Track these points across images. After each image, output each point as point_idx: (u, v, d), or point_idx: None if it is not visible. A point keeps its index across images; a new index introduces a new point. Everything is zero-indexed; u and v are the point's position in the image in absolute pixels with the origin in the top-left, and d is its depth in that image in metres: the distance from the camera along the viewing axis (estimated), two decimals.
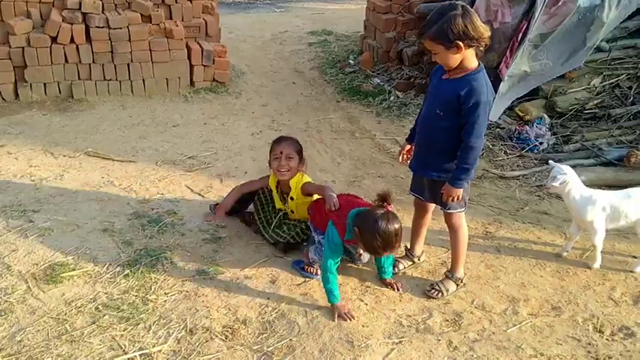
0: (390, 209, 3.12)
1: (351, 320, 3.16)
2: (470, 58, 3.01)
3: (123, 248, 3.75)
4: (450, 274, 3.48)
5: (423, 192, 3.44)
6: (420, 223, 3.66)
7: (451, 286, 3.45)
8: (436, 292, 3.40)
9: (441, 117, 3.10)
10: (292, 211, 3.87)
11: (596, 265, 3.69)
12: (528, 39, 5.55)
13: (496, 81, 5.95)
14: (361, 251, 3.45)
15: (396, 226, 3.04)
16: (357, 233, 3.11)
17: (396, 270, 3.61)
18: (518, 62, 5.65)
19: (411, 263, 3.71)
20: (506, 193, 4.75)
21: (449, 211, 3.32)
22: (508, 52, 5.80)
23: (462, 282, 3.49)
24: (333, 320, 3.16)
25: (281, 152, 3.73)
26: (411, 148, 3.48)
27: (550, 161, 3.85)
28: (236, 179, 4.77)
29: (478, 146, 3.05)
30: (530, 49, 5.62)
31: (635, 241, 3.96)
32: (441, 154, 3.19)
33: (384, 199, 3.14)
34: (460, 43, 2.90)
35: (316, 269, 3.53)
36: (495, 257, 3.83)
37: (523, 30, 5.63)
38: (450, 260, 3.56)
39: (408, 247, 3.75)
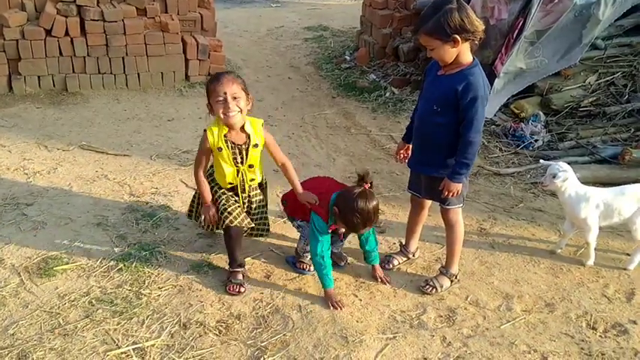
0: (367, 187, 3.14)
1: (340, 309, 3.19)
2: (465, 53, 3.00)
3: (117, 242, 3.74)
4: (445, 270, 3.48)
5: (421, 189, 3.43)
6: (416, 220, 3.66)
7: (445, 282, 3.45)
8: (430, 288, 3.40)
9: (438, 113, 3.08)
10: (251, 166, 3.31)
11: (590, 262, 3.70)
12: (524, 36, 5.55)
13: (491, 77, 5.94)
14: (342, 231, 3.42)
15: (374, 202, 3.09)
16: (337, 212, 3.13)
17: (390, 266, 3.61)
18: (513, 59, 5.65)
19: (405, 259, 3.70)
20: (501, 189, 4.76)
21: (448, 206, 3.31)
22: (503, 48, 5.80)
23: (456, 278, 3.49)
24: (328, 308, 3.18)
25: (225, 93, 3.11)
26: (409, 147, 3.47)
27: (541, 160, 3.86)
28: None
29: (477, 141, 3.05)
30: (526, 46, 5.62)
31: (628, 239, 3.97)
32: (440, 151, 3.17)
33: (362, 178, 3.16)
34: (457, 37, 2.88)
35: (308, 265, 3.52)
36: (490, 254, 3.83)
37: (519, 27, 5.63)
38: (444, 256, 3.55)
39: (403, 242, 3.74)
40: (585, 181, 4.70)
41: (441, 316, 3.21)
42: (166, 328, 3.02)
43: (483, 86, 3.00)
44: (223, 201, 3.33)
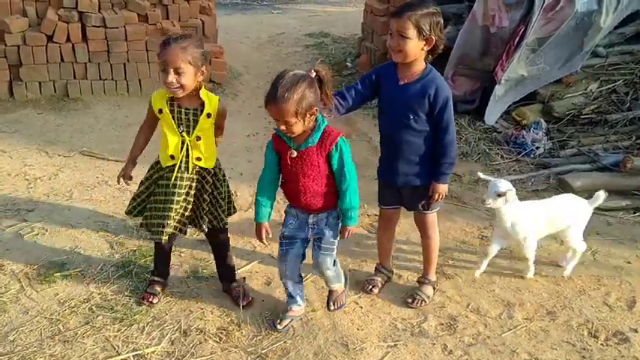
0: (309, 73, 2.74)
1: (260, 241, 2.99)
2: (422, 59, 3.00)
3: (117, 249, 3.73)
4: (426, 279, 3.43)
5: (401, 201, 3.34)
6: (391, 235, 3.55)
7: (430, 291, 3.41)
8: (419, 302, 3.34)
9: (415, 121, 3.03)
10: (199, 138, 2.97)
11: (530, 274, 3.62)
12: (526, 43, 5.56)
13: (491, 84, 5.96)
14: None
15: (296, 73, 2.73)
16: None
17: (376, 290, 3.44)
18: (515, 66, 5.66)
19: (387, 279, 3.56)
20: None
21: (432, 211, 3.28)
22: (504, 55, 5.80)
23: (436, 285, 3.47)
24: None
25: (167, 65, 2.81)
26: None
27: (479, 173, 3.68)
28: (231, 181, 4.72)
29: (455, 139, 3.08)
30: (527, 53, 5.63)
31: (629, 246, 3.98)
32: (424, 158, 3.12)
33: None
34: (433, 39, 2.90)
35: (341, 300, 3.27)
36: (490, 261, 3.81)
37: (520, 34, 5.63)
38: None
39: (379, 262, 3.59)
40: (587, 189, 4.70)
41: (442, 324, 3.20)
42: (167, 334, 3.01)
43: (447, 86, 3.05)
44: (155, 203, 3.06)
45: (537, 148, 5.49)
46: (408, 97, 3.02)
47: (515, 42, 5.68)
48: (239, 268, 3.59)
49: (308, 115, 2.71)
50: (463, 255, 3.83)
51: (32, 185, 4.50)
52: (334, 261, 3.07)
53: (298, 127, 2.73)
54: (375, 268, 3.58)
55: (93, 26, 6.29)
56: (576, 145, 5.44)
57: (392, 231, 3.54)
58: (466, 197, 4.69)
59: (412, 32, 2.86)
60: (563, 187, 4.80)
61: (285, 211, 3.07)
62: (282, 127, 2.76)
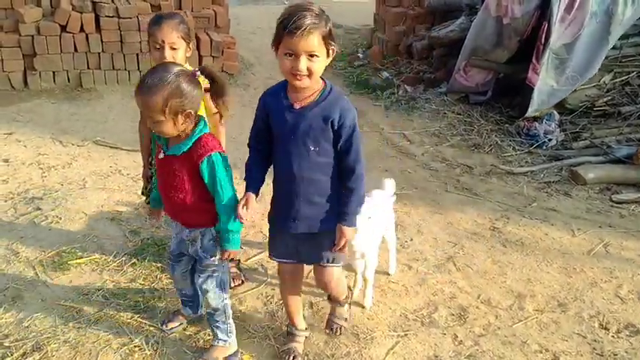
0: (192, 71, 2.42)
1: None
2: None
3: (130, 237, 3.76)
4: (336, 302, 3.01)
5: (297, 254, 2.67)
6: (298, 291, 2.92)
7: (344, 311, 3.03)
8: (338, 329, 2.99)
9: (317, 153, 2.44)
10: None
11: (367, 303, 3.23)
12: (553, 51, 5.45)
13: (524, 90, 5.81)
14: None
15: (169, 66, 2.41)
16: None
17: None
18: (544, 77, 5.56)
19: (305, 338, 2.95)
20: (515, 189, 4.74)
21: (334, 265, 2.68)
22: (534, 58, 5.65)
23: (346, 298, 3.00)
24: None
25: (163, 42, 2.84)
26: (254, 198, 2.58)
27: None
28: (241, 171, 4.75)
29: (364, 172, 2.51)
30: (556, 62, 5.54)
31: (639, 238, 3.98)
32: (330, 198, 2.53)
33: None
34: (335, 49, 2.38)
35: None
36: (502, 253, 3.82)
37: (544, 32, 5.51)
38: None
39: (294, 322, 2.93)
40: (599, 182, 4.69)
41: (453, 315, 3.21)
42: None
43: (352, 105, 2.47)
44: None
45: (550, 140, 5.47)
46: (307, 123, 2.41)
47: (542, 41, 5.55)
48: (249, 258, 3.62)
49: (181, 117, 2.32)
50: (474, 246, 3.83)
51: (46, 174, 4.54)
52: (220, 282, 2.64)
53: (167, 128, 2.34)
54: (287, 332, 2.94)
55: (106, 16, 6.33)
56: (589, 138, 5.41)
57: (298, 288, 2.90)
58: (478, 188, 4.69)
59: (321, 49, 2.32)
60: (575, 180, 4.79)
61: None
62: (149, 124, 2.38)
